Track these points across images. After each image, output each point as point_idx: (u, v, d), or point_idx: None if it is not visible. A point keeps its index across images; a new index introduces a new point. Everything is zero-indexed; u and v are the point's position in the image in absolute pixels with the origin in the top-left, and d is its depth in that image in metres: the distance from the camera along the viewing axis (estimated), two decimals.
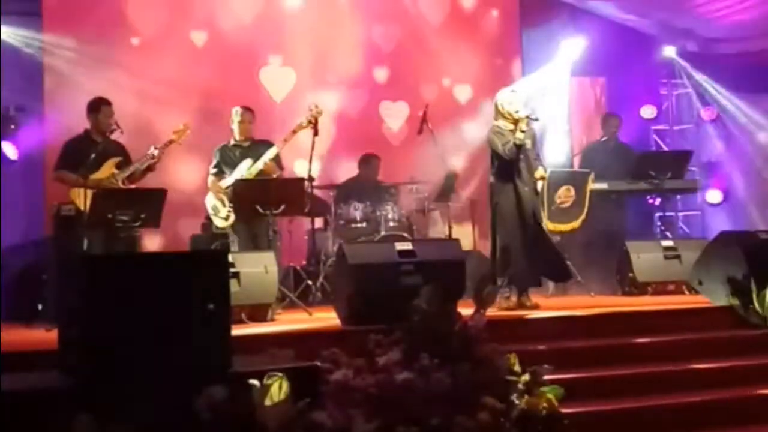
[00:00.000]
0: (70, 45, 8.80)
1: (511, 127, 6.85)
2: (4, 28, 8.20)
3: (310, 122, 7.56)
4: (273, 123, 8.76)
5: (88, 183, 6.96)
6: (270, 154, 7.45)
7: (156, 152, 7.26)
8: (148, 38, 9.31)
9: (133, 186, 7.30)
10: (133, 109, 8.49)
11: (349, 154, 9.47)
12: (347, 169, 9.40)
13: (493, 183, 7.01)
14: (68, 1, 9.02)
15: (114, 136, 7.26)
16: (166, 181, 7.65)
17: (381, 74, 10.25)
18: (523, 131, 6.79)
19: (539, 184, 7.14)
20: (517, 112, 6.84)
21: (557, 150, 10.49)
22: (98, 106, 7.30)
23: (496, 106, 7.00)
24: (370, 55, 10.19)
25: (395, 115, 9.85)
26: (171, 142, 7.40)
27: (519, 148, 6.79)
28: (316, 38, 9.81)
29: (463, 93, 10.40)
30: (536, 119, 7.03)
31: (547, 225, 7.95)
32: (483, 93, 7.52)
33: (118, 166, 7.23)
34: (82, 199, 6.91)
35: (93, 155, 7.03)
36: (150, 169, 7.34)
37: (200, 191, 7.89)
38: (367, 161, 9.15)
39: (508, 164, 6.84)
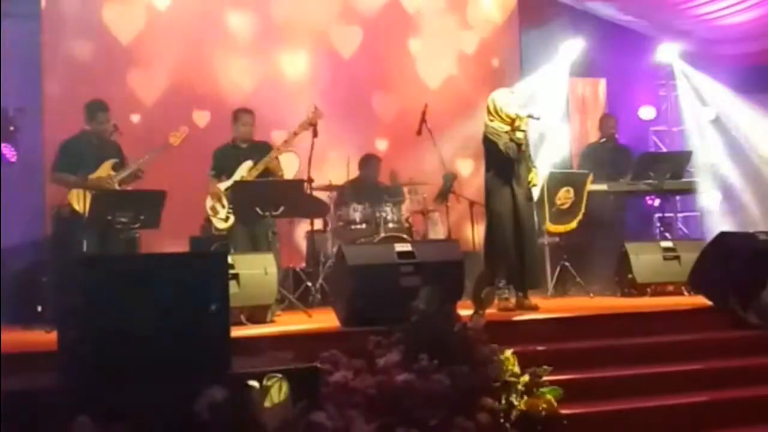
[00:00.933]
0: None
1: (507, 128, 6.81)
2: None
3: (310, 124, 7.56)
4: None
5: (87, 184, 6.97)
6: (269, 157, 7.46)
7: (153, 155, 7.27)
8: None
9: (129, 188, 7.31)
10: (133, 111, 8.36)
11: None
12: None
13: (488, 185, 6.97)
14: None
15: (114, 136, 7.28)
16: (165, 182, 7.62)
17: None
18: (523, 130, 6.78)
19: (536, 189, 7.15)
20: (516, 114, 6.81)
21: (556, 151, 10.50)
22: (95, 113, 7.29)
23: (492, 108, 6.89)
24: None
25: None
26: (168, 146, 7.41)
27: (519, 147, 6.77)
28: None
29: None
30: (538, 118, 6.99)
31: (548, 227, 7.96)
32: (483, 100, 7.38)
33: (114, 168, 7.24)
34: (81, 201, 6.91)
35: (90, 156, 7.04)
36: (138, 176, 7.34)
37: (199, 193, 7.87)
38: (368, 162, 9.15)
39: (505, 166, 6.81)
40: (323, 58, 10.03)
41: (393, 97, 10.27)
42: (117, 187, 7.17)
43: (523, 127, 6.80)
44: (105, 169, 7.19)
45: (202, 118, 9.44)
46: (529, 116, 6.83)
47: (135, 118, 9.13)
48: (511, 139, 6.75)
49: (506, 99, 6.91)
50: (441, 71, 10.50)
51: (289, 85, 9.87)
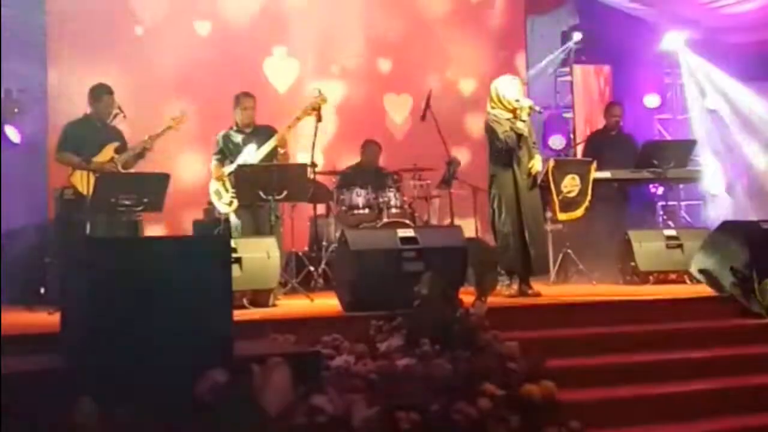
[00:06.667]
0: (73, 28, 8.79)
1: (509, 115, 6.80)
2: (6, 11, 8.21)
3: (314, 109, 7.54)
4: (276, 113, 8.64)
5: (92, 166, 6.98)
6: (273, 142, 7.44)
7: (150, 142, 7.28)
8: (151, 27, 9.26)
9: (133, 169, 7.31)
10: (135, 97, 8.37)
11: (352, 145, 9.38)
12: (349, 160, 9.36)
13: (492, 172, 6.97)
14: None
15: (117, 120, 7.28)
16: (169, 166, 7.63)
17: (385, 65, 10.22)
18: (523, 120, 6.75)
19: (539, 176, 7.15)
20: (517, 100, 6.80)
21: (560, 138, 10.48)
22: (100, 96, 7.31)
23: (494, 95, 6.92)
24: (375, 46, 10.16)
25: (399, 108, 9.76)
26: (168, 128, 7.40)
27: (519, 137, 6.75)
28: (320, 29, 9.74)
29: (467, 86, 10.32)
30: (539, 111, 6.99)
31: (558, 215, 7.94)
32: (487, 86, 7.52)
33: (117, 151, 7.25)
34: (84, 183, 6.92)
35: (92, 139, 7.05)
36: (142, 155, 7.34)
37: (203, 176, 7.87)
38: (366, 147, 9.15)
39: (507, 153, 6.81)
40: None
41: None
42: (120, 169, 7.17)
43: (524, 117, 6.76)
44: (108, 152, 7.20)
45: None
46: (530, 108, 6.82)
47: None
48: (511, 128, 6.74)
49: (508, 86, 6.90)
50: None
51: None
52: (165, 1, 9.41)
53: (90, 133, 7.17)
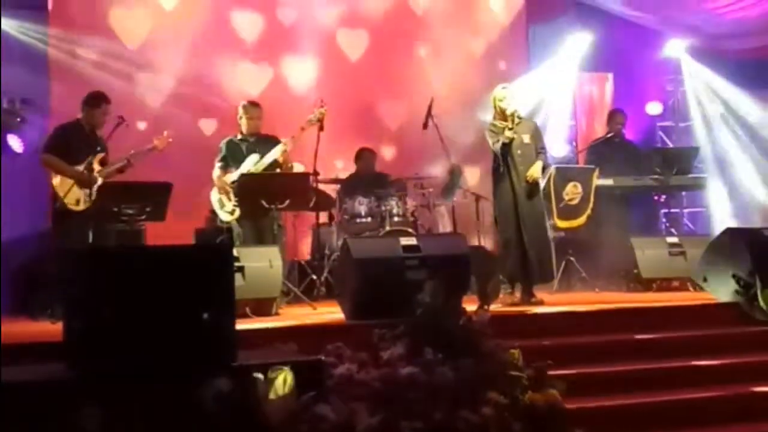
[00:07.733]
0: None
1: (506, 124, 6.90)
2: (12, 22, 8.23)
3: (318, 120, 7.56)
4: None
5: (80, 176, 6.92)
6: (276, 151, 7.44)
7: (133, 159, 7.27)
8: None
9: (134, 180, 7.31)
10: None
11: None
12: None
13: (493, 180, 7.05)
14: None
15: (119, 129, 7.27)
16: (171, 175, 7.62)
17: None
18: (510, 128, 6.81)
19: (542, 182, 7.17)
20: (507, 107, 6.88)
21: (562, 146, 10.49)
22: (97, 103, 7.24)
23: (492, 105, 7.08)
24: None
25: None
26: (153, 148, 7.41)
27: (507, 145, 6.80)
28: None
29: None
30: (519, 117, 7.03)
31: (557, 222, 7.95)
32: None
33: (101, 163, 7.20)
34: (65, 191, 6.86)
35: (79, 145, 7.03)
36: (122, 171, 7.31)
37: (205, 185, 7.86)
38: (361, 156, 9.16)
39: (504, 162, 6.87)
40: (330, 63, 9.99)
41: (400, 103, 10.16)
42: (99, 181, 7.06)
43: (510, 125, 6.83)
44: (94, 162, 7.15)
45: (208, 126, 9.43)
46: (512, 113, 6.87)
47: (141, 125, 8.97)
48: (499, 139, 6.82)
49: (500, 94, 7.07)
50: (448, 75, 10.38)
51: (295, 90, 9.84)
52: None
53: (78, 140, 7.10)
